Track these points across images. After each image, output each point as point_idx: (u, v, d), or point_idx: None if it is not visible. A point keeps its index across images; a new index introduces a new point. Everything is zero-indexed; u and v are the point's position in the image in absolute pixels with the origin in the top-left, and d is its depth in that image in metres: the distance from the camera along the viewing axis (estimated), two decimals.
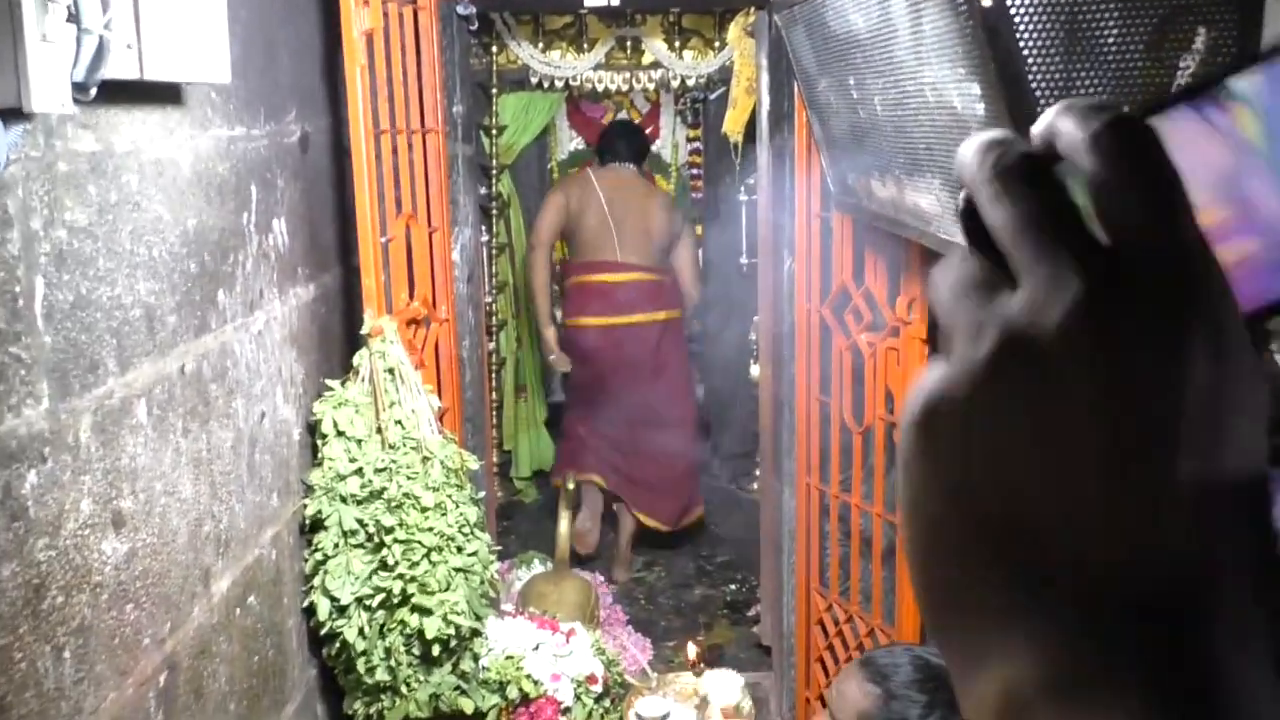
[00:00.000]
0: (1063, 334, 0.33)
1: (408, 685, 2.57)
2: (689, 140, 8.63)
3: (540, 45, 5.10)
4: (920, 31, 1.64)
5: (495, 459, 5.51)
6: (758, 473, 5.14)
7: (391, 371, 2.63)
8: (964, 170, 0.37)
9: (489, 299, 5.40)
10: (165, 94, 1.91)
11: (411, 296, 2.93)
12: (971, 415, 0.35)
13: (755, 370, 4.66)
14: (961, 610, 0.36)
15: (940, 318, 0.37)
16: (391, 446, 2.59)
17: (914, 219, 2.10)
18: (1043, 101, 1.23)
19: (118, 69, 1.60)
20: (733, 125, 4.54)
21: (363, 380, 2.63)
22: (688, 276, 5.03)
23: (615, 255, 4.86)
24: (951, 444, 0.35)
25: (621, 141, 5.08)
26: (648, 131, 8.87)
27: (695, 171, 8.57)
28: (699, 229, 8.09)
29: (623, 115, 8.94)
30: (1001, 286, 0.36)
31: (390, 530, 2.52)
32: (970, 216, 0.37)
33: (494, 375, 5.58)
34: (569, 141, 8.96)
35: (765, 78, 3.64)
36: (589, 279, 4.94)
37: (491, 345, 5.47)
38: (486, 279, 5.37)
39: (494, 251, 5.55)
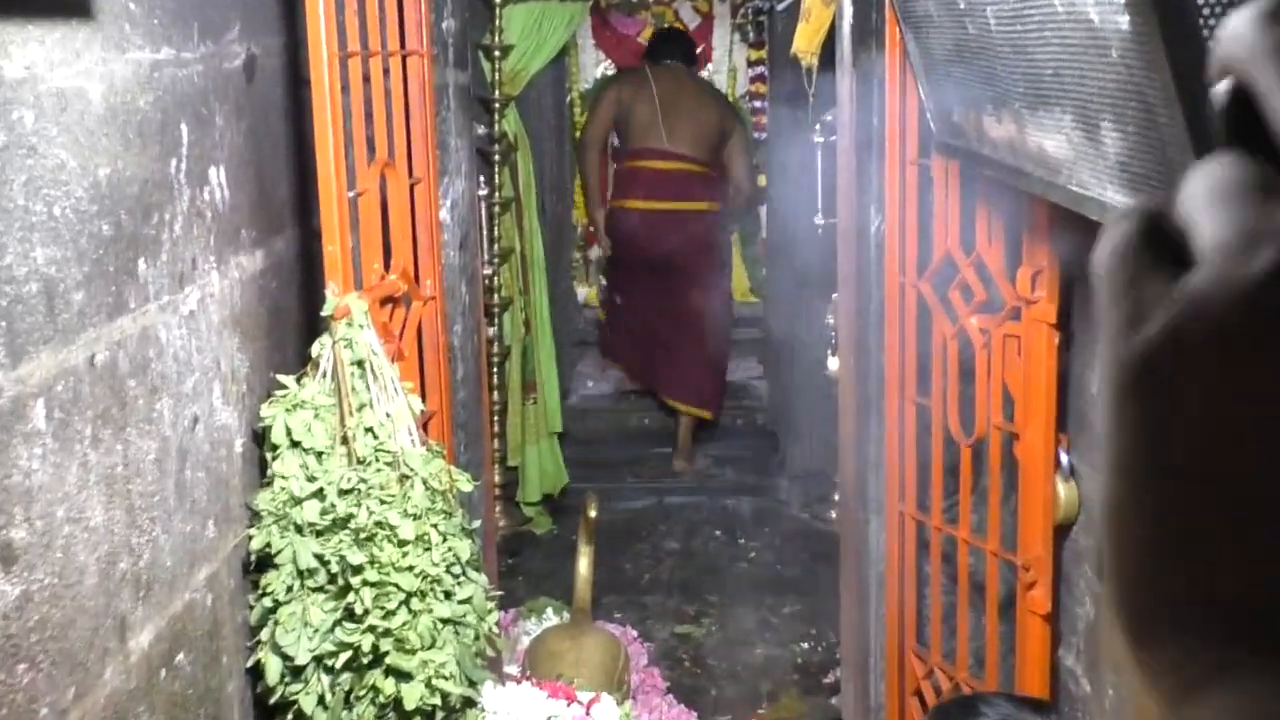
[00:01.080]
0: None
1: None
2: (750, 64, 8.64)
3: None
4: None
5: (497, 478, 5.54)
6: (836, 497, 5.12)
7: (361, 365, 2.65)
8: (1235, 47, 0.36)
9: (489, 271, 5.42)
10: (70, 6, 1.93)
11: (387, 268, 2.95)
12: (1238, 350, 0.34)
13: (833, 363, 4.66)
14: (1185, 619, 0.35)
15: (1189, 213, 0.36)
16: (361, 461, 2.60)
17: (1038, 167, 2.08)
18: (1207, 12, 1.21)
19: None
20: (805, 43, 4.52)
21: (324, 376, 2.65)
22: (739, 169, 6.57)
23: (663, 143, 6.25)
24: (1201, 389, 0.35)
25: (670, 44, 6.66)
26: (698, 53, 8.90)
27: (758, 104, 8.57)
28: (761, 178, 8.10)
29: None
30: (1277, 191, 0.34)
31: (359, 570, 2.54)
32: (1238, 110, 0.36)
33: (495, 370, 5.61)
34: (594, 65, 8.99)
35: None
36: (638, 164, 6.30)
37: (492, 331, 5.49)
38: (486, 245, 5.39)
39: (496, 209, 5.57)
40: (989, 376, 3.10)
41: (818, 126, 5.16)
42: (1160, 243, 0.37)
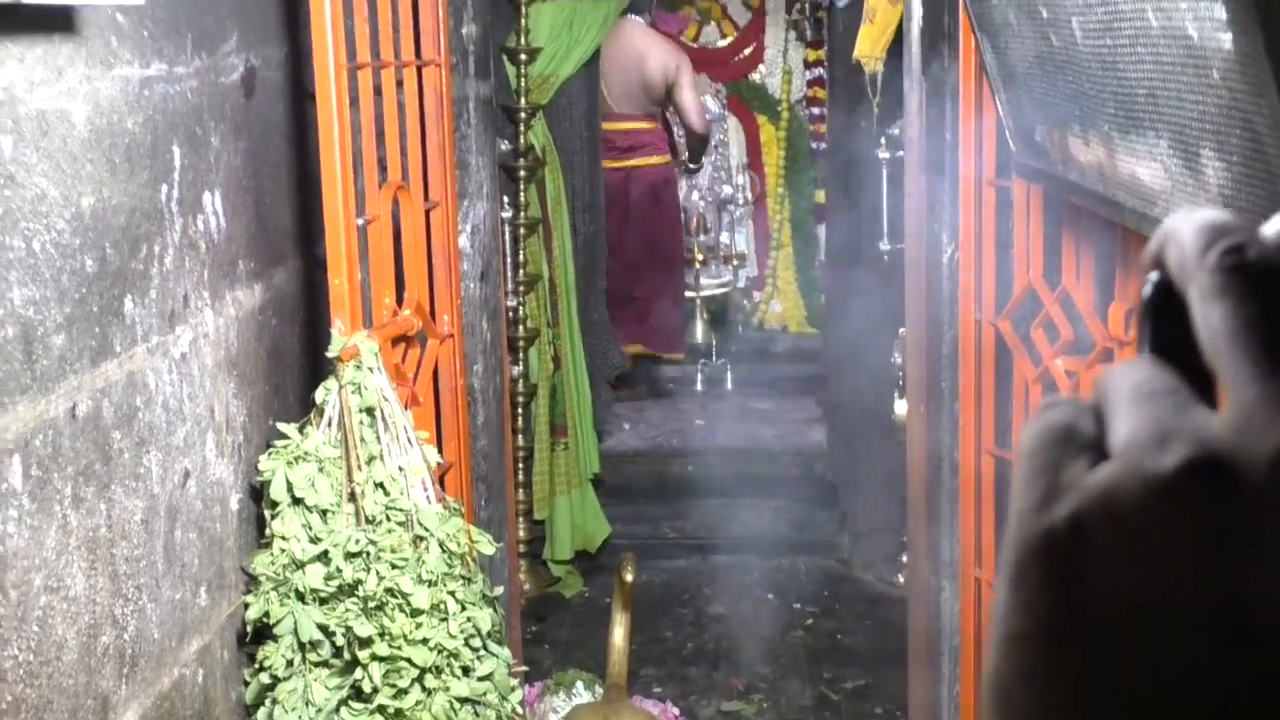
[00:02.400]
0: (1275, 471, 0.38)
1: None
2: (807, 65, 8.67)
3: None
4: None
5: (522, 534, 5.55)
6: (904, 558, 5.11)
7: (371, 412, 2.68)
8: (1174, 249, 0.43)
9: (513, 302, 5.46)
10: (51, 21, 1.97)
11: (400, 303, 2.98)
12: (1137, 539, 0.39)
13: (900, 408, 4.66)
14: None
15: (1107, 410, 0.42)
16: (370, 521, 2.62)
17: (1131, 196, 2.09)
18: None
19: None
20: (869, 47, 4.55)
21: (330, 424, 2.67)
22: (687, 113, 7.40)
23: (609, 105, 7.04)
24: (1097, 575, 0.40)
25: None
26: (748, 52, 8.95)
27: (815, 111, 8.59)
28: (819, 194, 8.11)
29: (710, 30, 9.01)
30: (1193, 398, 0.41)
31: (367, 643, 2.56)
32: (1158, 305, 0.43)
33: (520, 412, 5.63)
34: None
35: None
36: (603, 127, 6.93)
37: (517, 369, 5.52)
38: (509, 272, 5.43)
39: (521, 231, 5.61)
40: None
41: (883, 140, 5.18)
42: (1081, 434, 0.43)
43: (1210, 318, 0.41)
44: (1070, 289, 3.09)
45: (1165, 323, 0.43)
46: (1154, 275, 0.44)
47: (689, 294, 8.41)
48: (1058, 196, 2.84)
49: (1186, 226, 0.43)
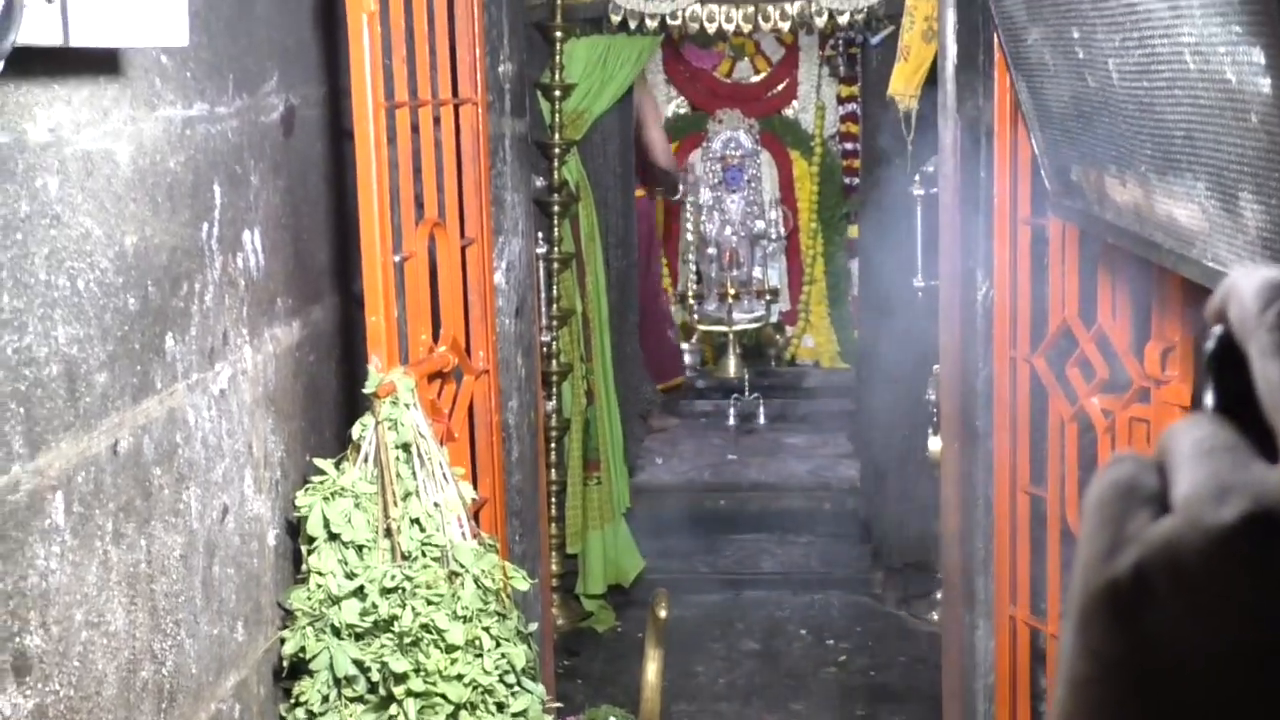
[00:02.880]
0: None
1: None
2: (840, 101, 8.69)
3: None
4: None
5: (555, 568, 5.55)
6: (938, 596, 5.09)
7: (407, 448, 2.69)
8: (1235, 306, 0.44)
9: (547, 337, 5.47)
10: (98, 63, 2.00)
11: (436, 339, 2.99)
12: (1197, 592, 0.41)
13: (934, 444, 4.65)
14: None
15: (1170, 466, 0.43)
16: (406, 557, 2.63)
17: (1168, 237, 2.09)
18: None
19: (33, 32, 1.68)
20: (903, 84, 4.56)
21: (366, 460, 2.69)
22: (655, 152, 7.51)
23: None
24: (1159, 624, 0.41)
25: None
26: (781, 88, 8.97)
27: (849, 146, 8.61)
28: (852, 229, 8.12)
29: (743, 65, 9.05)
30: (1252, 453, 0.42)
31: (402, 678, 2.56)
32: (1223, 360, 0.44)
33: (554, 446, 5.64)
34: (666, 103, 9.08)
35: (951, 17, 3.65)
36: None
37: (551, 405, 5.53)
38: (544, 307, 5.45)
39: (555, 266, 5.63)
40: None
41: (917, 177, 5.19)
42: (1144, 488, 0.44)
43: (1270, 374, 0.42)
44: (1106, 327, 3.08)
45: (1228, 376, 0.44)
46: (1217, 329, 0.45)
47: (721, 328, 8.42)
48: (1094, 235, 2.83)
49: (1247, 284, 0.44)
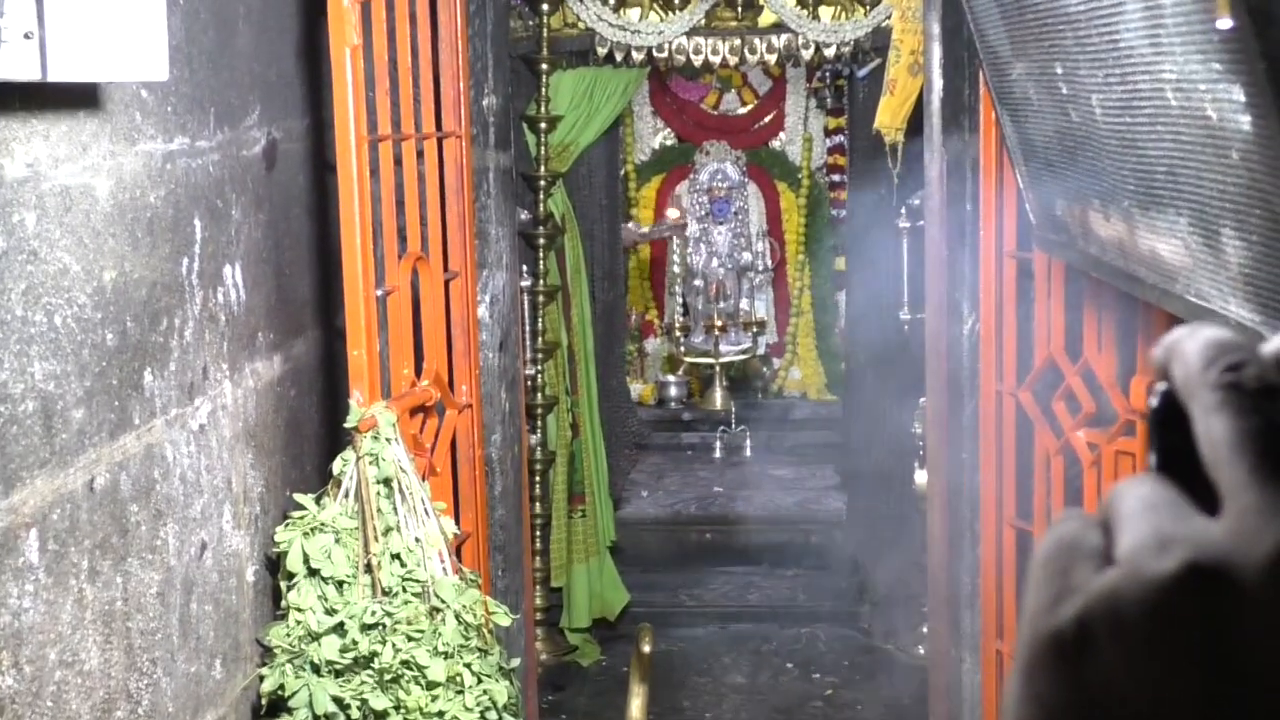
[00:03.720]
0: (1270, 574, 0.41)
1: None
2: (828, 133, 8.71)
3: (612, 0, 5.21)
4: (1158, 6, 1.65)
5: (539, 601, 5.53)
6: (925, 629, 5.07)
7: (388, 483, 2.68)
8: (1178, 364, 0.45)
9: (532, 371, 5.46)
10: (77, 98, 1.99)
11: (419, 374, 2.99)
12: (1137, 641, 0.42)
13: (920, 477, 4.65)
14: None
15: (1114, 522, 0.45)
16: (386, 592, 2.62)
17: (1151, 272, 2.09)
18: None
19: (11, 67, 1.67)
20: (889, 118, 4.57)
21: (347, 495, 2.67)
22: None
23: None
24: (1101, 672, 0.43)
25: None
26: (768, 120, 8.99)
27: (836, 178, 8.63)
28: (840, 261, 8.12)
29: (730, 97, 9.07)
30: (1193, 508, 0.44)
31: (383, 716, 2.54)
32: (1167, 418, 0.46)
33: (537, 480, 5.63)
34: (652, 135, 9.10)
35: (937, 52, 3.67)
36: None
37: (535, 437, 5.52)
38: (528, 340, 5.44)
39: (540, 299, 5.63)
40: (1099, 496, 3.08)
41: (903, 210, 5.20)
42: (1089, 543, 0.46)
43: (1211, 430, 0.44)
44: (1092, 361, 3.08)
45: (1171, 433, 0.46)
46: (1160, 387, 0.47)
47: (708, 361, 8.42)
48: (1079, 269, 2.84)
49: (1190, 344, 0.46)
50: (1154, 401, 0.47)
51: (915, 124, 4.23)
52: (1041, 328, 3.23)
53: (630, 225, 8.55)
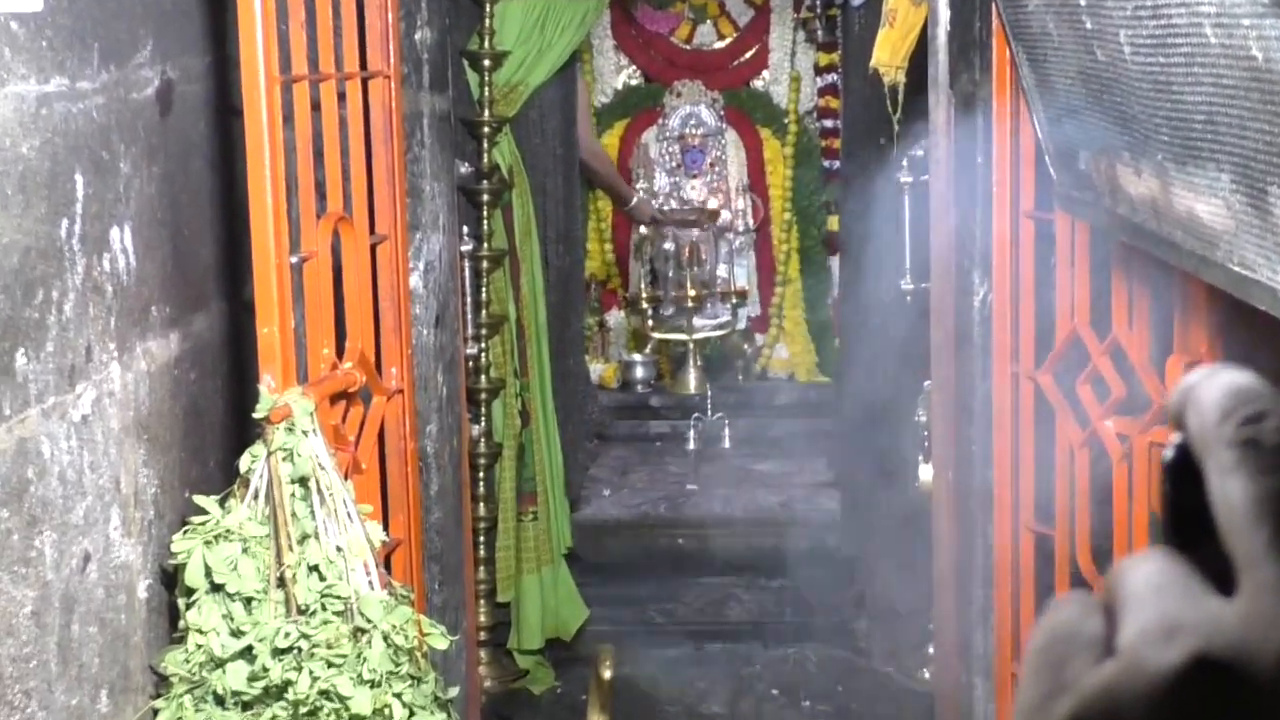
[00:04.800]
0: None
1: None
2: (818, 71, 8.70)
3: None
4: None
5: (483, 620, 5.53)
6: (930, 650, 5.10)
7: (304, 482, 2.67)
8: (1194, 414, 0.46)
9: (473, 349, 5.46)
10: None
11: (340, 353, 2.98)
12: None
13: (925, 473, 4.65)
14: None
15: (1117, 606, 0.45)
16: (303, 611, 2.62)
17: (1188, 236, 2.09)
18: None
19: None
20: (888, 54, 4.57)
21: (256, 497, 2.67)
22: (580, 139, 7.08)
23: None
24: None
25: None
26: (749, 56, 8.98)
27: (828, 124, 8.62)
28: (832, 221, 8.13)
29: (705, 29, 9.06)
30: (1206, 586, 0.44)
31: None
32: (1181, 474, 0.46)
33: (481, 477, 5.62)
34: (614, 73, 9.09)
35: None
36: None
37: (478, 428, 5.51)
38: (470, 314, 5.43)
39: (484, 265, 5.62)
40: (1130, 496, 3.10)
41: (905, 163, 5.19)
42: (1087, 631, 0.46)
43: (1227, 493, 0.44)
44: (1122, 338, 3.10)
45: (1187, 492, 0.46)
46: (1176, 438, 0.47)
47: (680, 337, 8.41)
48: (1106, 232, 2.85)
49: (1207, 391, 0.46)
50: (1168, 455, 0.47)
51: (919, 62, 4.24)
52: (1064, 300, 3.24)
53: (644, 195, 8.52)
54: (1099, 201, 2.62)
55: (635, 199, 8.38)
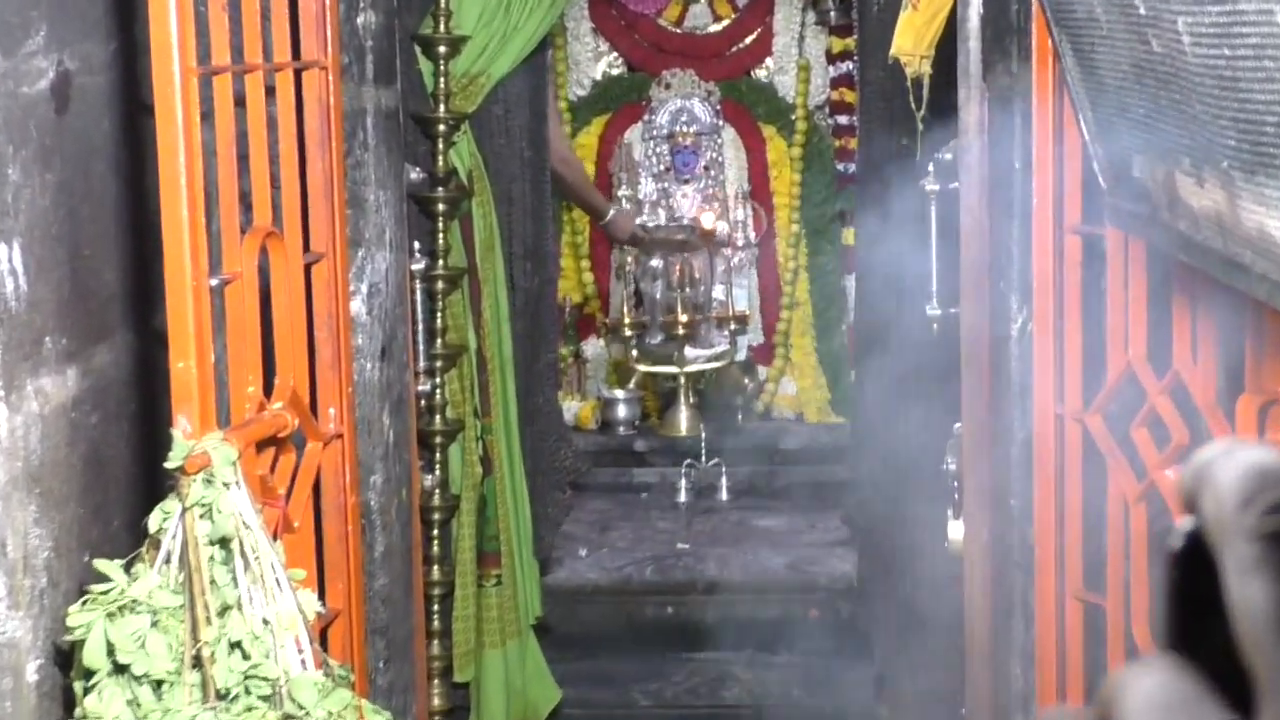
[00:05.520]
0: None
1: None
2: (831, 59, 8.72)
3: None
4: None
5: (438, 703, 5.51)
6: None
7: (225, 543, 2.66)
8: (1210, 498, 0.46)
9: (426, 385, 5.45)
10: None
11: (269, 392, 2.98)
12: None
13: (955, 531, 4.64)
14: None
15: None
16: (222, 695, 2.61)
17: (1259, 257, 2.10)
18: None
19: None
20: (911, 42, 4.58)
21: (168, 561, 2.66)
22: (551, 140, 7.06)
23: None
24: None
25: None
26: (750, 41, 8.98)
27: (843, 120, 8.64)
28: (848, 233, 8.13)
29: (699, 9, 9.06)
30: (1218, 706, 0.44)
31: None
32: (1188, 566, 0.46)
33: (436, 535, 5.61)
34: (592, 61, 9.09)
35: None
36: None
37: (431, 478, 5.50)
38: (422, 345, 5.42)
39: (439, 287, 5.61)
40: None
41: (930, 167, 5.20)
42: None
43: (1248, 596, 0.43)
44: (1184, 374, 3.10)
45: (1197, 588, 0.46)
46: (1187, 523, 0.46)
47: (670, 369, 8.40)
48: (1164, 251, 2.85)
49: (1226, 470, 0.45)
50: (1175, 542, 0.47)
51: (948, 49, 4.24)
52: (1117, 330, 3.25)
53: (625, 207, 8.46)
54: (1156, 216, 2.62)
55: (612, 212, 8.27)
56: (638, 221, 8.48)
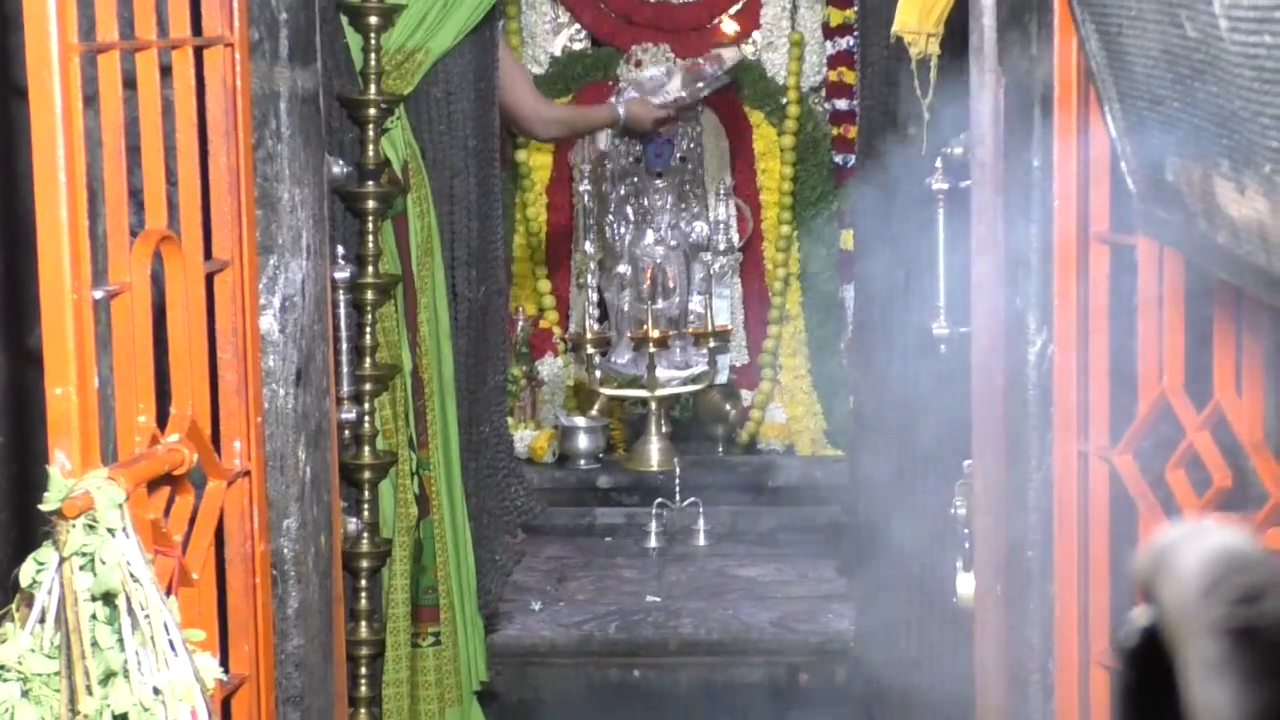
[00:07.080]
0: None
1: None
2: (828, 34, 8.75)
3: None
4: None
5: None
6: None
7: (110, 599, 2.66)
8: (1171, 584, 0.42)
9: (352, 414, 5.44)
10: None
11: (163, 423, 2.97)
12: None
13: (965, 585, 4.65)
14: None
15: None
16: None
17: None
18: None
19: None
20: (915, 18, 4.60)
21: (43, 620, 2.66)
22: (524, 105, 7.50)
23: None
24: None
25: None
26: (734, 11, 8.99)
27: (841, 105, 8.65)
28: (846, 235, 8.13)
29: None
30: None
31: None
32: (1143, 662, 0.41)
33: (363, 586, 5.61)
34: (552, 35, 9.10)
35: None
36: None
37: (357, 522, 5.50)
38: (346, 367, 5.41)
39: (367, 298, 5.61)
40: None
41: (939, 163, 5.21)
42: None
43: (1211, 699, 0.42)
44: (1227, 408, 3.11)
45: (1152, 687, 0.45)
46: (1140, 619, 0.45)
47: (639, 393, 8.41)
48: (1201, 264, 2.86)
49: (1188, 553, 0.44)
50: (1129, 636, 0.46)
51: (959, 27, 4.26)
52: (1149, 354, 3.26)
53: (628, 94, 8.36)
54: (1192, 225, 2.63)
55: (622, 109, 8.25)
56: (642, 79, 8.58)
